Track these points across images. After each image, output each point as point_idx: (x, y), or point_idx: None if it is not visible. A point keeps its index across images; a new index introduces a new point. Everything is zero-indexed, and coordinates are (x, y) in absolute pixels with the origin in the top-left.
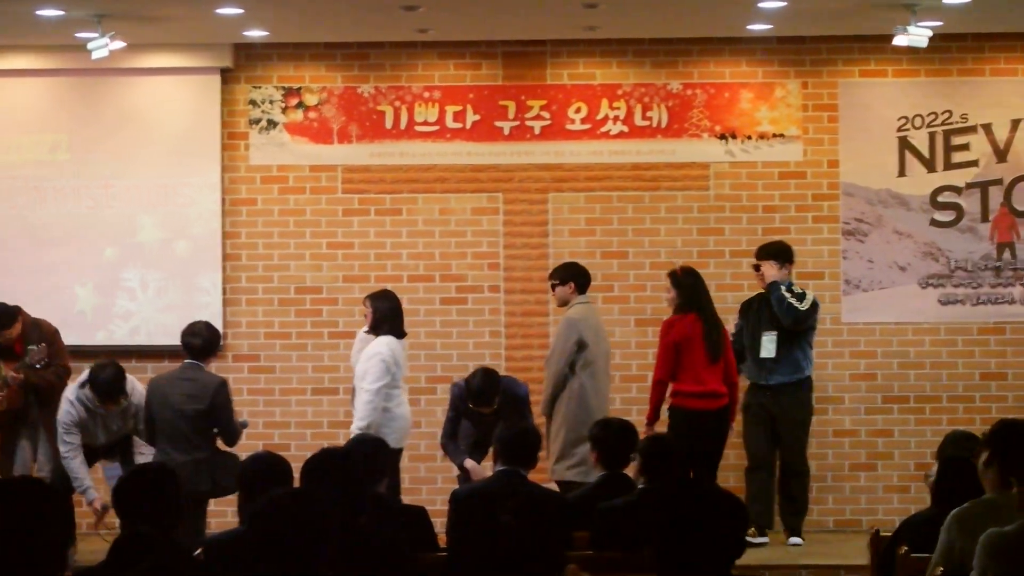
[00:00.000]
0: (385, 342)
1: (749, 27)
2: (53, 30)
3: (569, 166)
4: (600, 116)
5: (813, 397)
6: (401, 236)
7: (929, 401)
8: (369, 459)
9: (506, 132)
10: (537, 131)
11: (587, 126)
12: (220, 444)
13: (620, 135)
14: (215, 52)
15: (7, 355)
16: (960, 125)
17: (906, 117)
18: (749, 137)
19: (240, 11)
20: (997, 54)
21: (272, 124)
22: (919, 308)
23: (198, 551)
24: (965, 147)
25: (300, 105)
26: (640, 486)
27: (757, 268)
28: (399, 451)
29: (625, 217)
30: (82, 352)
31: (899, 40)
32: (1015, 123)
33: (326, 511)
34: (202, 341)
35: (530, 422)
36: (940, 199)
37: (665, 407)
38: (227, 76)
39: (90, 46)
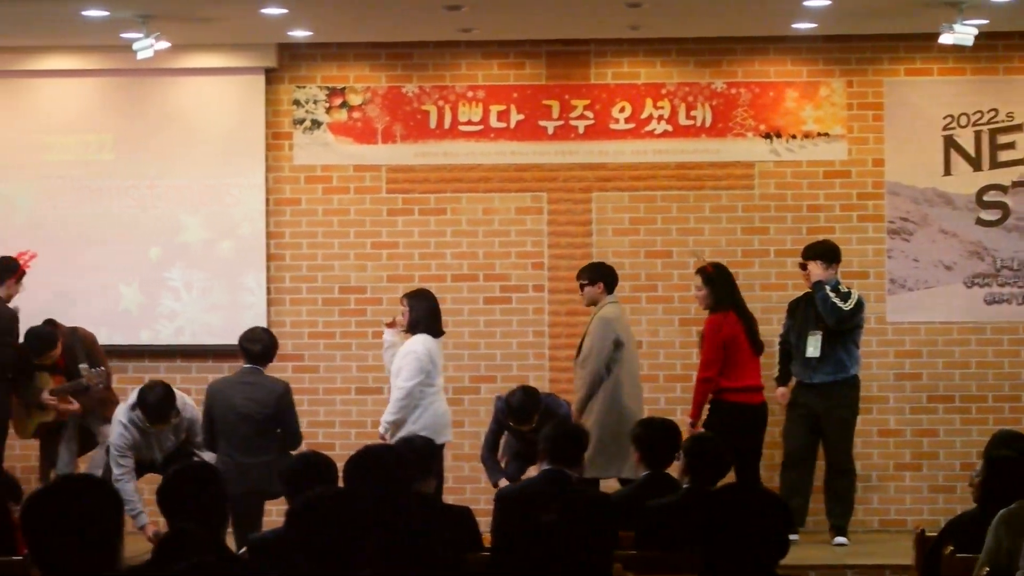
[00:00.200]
0: (421, 340)
1: (794, 26)
2: (98, 31)
3: (613, 165)
4: (644, 115)
5: (859, 396)
6: (445, 236)
7: (975, 401)
8: (417, 458)
9: (550, 131)
10: (581, 130)
11: (631, 125)
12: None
13: (664, 134)
14: (259, 52)
15: (52, 369)
16: (1006, 124)
17: (952, 116)
18: (794, 136)
19: (284, 11)
20: None
21: (316, 124)
22: (965, 307)
23: (243, 550)
24: (1011, 146)
25: (344, 105)
26: (684, 486)
27: (804, 268)
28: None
29: (669, 216)
30: (127, 352)
31: (945, 38)
32: None
33: (366, 510)
34: (262, 347)
35: (578, 423)
36: (986, 198)
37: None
38: (271, 76)
39: (135, 47)
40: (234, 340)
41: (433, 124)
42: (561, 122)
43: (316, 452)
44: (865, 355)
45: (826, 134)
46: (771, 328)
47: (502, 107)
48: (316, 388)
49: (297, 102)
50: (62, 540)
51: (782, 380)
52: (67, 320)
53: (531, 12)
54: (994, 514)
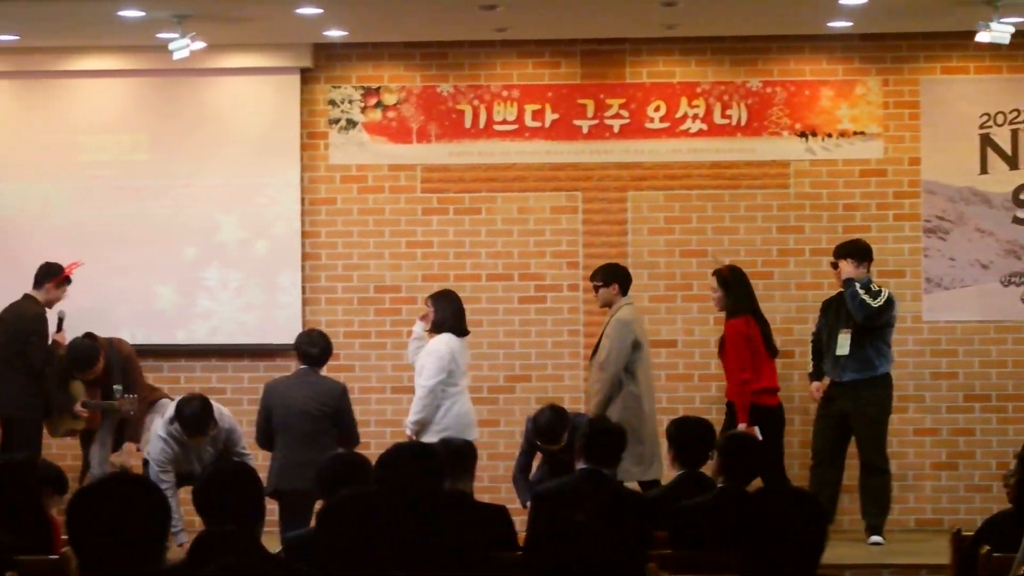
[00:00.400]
0: (444, 340)
1: (830, 24)
2: (134, 31)
3: (648, 164)
4: (679, 114)
5: (892, 395)
6: (480, 235)
7: (1011, 400)
8: (454, 458)
9: (585, 131)
10: (616, 129)
11: (666, 124)
12: None
13: (699, 133)
14: (295, 52)
15: (91, 381)
16: None
17: (988, 114)
18: (829, 135)
19: (319, 11)
20: None
21: (351, 124)
22: (1001, 306)
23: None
24: None
25: (379, 105)
26: (719, 485)
27: (835, 266)
28: None
29: (704, 215)
30: (162, 351)
31: (981, 36)
32: None
33: (395, 509)
34: (319, 350)
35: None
36: (1023, 197)
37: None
38: (306, 76)
39: (171, 47)
40: (269, 339)
41: (468, 123)
42: (596, 121)
43: (352, 452)
44: (901, 354)
45: (862, 133)
46: (806, 328)
47: (537, 106)
48: (352, 387)
49: (332, 102)
50: (105, 539)
51: (816, 375)
52: (104, 322)
53: (566, 11)
54: None
